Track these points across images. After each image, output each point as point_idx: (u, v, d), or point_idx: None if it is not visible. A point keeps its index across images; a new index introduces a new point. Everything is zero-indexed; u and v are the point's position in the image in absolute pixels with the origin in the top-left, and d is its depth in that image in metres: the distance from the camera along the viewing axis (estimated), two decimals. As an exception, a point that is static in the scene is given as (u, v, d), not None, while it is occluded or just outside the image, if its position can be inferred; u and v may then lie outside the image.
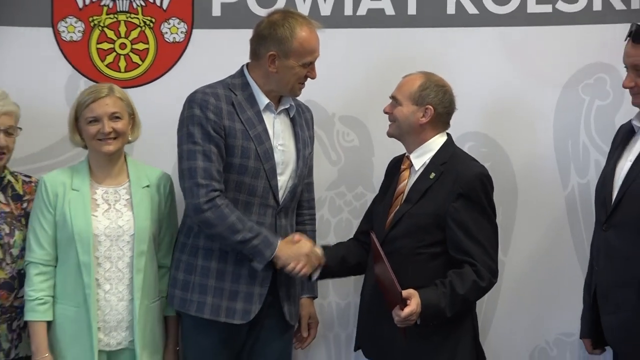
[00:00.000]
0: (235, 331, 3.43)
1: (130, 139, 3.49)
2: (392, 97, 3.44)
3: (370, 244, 3.38)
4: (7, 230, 3.48)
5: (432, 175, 3.34)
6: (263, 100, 3.43)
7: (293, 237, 3.46)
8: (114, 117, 3.40)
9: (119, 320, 3.42)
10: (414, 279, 3.16)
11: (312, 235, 3.70)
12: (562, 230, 3.85)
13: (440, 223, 3.28)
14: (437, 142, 3.40)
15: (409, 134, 3.37)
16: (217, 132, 3.34)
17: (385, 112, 3.47)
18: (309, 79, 3.48)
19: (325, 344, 3.92)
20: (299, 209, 3.69)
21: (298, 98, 3.61)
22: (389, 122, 3.46)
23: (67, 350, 3.44)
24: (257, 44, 3.41)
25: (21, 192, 3.55)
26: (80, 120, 3.44)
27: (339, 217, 3.88)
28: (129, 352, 3.44)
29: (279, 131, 3.48)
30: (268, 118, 3.44)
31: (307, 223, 3.68)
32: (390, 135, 3.49)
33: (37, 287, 3.39)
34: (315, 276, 3.50)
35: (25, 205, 3.56)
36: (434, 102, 3.34)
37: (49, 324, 3.44)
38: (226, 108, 3.37)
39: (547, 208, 3.86)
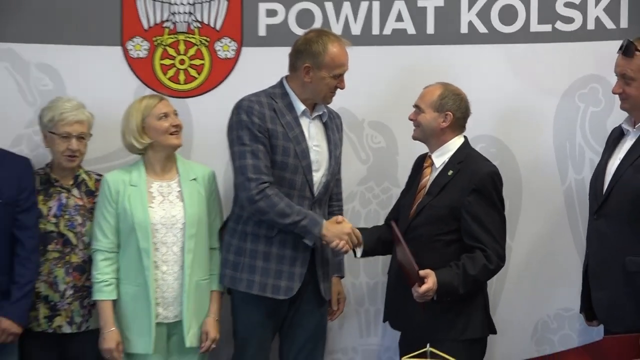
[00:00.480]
0: (279, 305, 3.62)
1: None
2: (416, 106, 3.63)
3: (392, 232, 3.61)
4: (80, 220, 3.72)
5: (450, 172, 3.56)
6: (300, 107, 3.64)
7: (337, 218, 3.65)
8: (175, 114, 3.71)
9: (174, 296, 3.62)
10: (432, 261, 3.39)
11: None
12: (560, 220, 4.02)
13: (456, 214, 3.49)
14: (455, 143, 3.61)
15: (431, 137, 3.59)
16: (261, 133, 3.54)
17: (410, 119, 3.67)
18: (339, 89, 3.66)
19: (357, 317, 4.12)
20: (330, 201, 3.88)
21: (330, 106, 3.79)
22: (414, 127, 3.65)
23: (131, 324, 3.65)
24: (295, 58, 3.64)
25: (93, 189, 3.79)
26: (148, 120, 3.63)
27: (368, 208, 4.06)
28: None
29: (313, 134, 3.69)
30: (304, 122, 3.65)
31: (336, 213, 3.84)
32: (415, 138, 3.68)
33: (102, 271, 3.63)
34: (359, 254, 3.71)
35: (96, 199, 3.78)
36: (453, 109, 3.55)
37: (114, 302, 3.67)
38: (268, 113, 3.58)
39: (548, 200, 4.04)
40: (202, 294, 3.71)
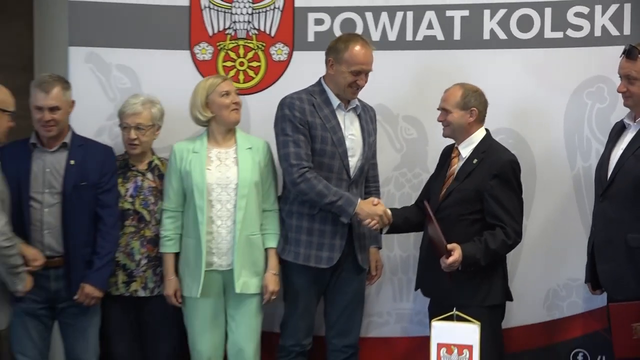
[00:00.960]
0: (322, 273, 3.82)
1: None
2: (442, 109, 3.76)
3: (424, 211, 3.67)
4: (152, 200, 3.91)
5: (475, 160, 3.72)
6: (335, 101, 3.84)
7: (373, 200, 3.77)
8: (236, 92, 3.88)
9: (228, 247, 3.80)
10: (458, 237, 3.57)
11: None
12: (569, 202, 4.15)
13: (480, 197, 3.66)
14: (478, 135, 3.77)
15: (459, 133, 3.76)
16: (302, 125, 3.75)
17: (440, 121, 3.80)
18: (362, 86, 3.80)
19: (391, 285, 4.26)
20: (367, 182, 4.02)
21: (369, 101, 3.98)
22: (444, 127, 3.79)
23: (188, 271, 3.85)
24: (326, 54, 3.84)
25: (164, 172, 3.95)
26: (212, 96, 3.80)
27: (401, 191, 4.22)
28: None
29: (348, 124, 3.87)
30: (340, 115, 3.85)
31: (373, 193, 4.02)
32: (445, 136, 3.84)
33: (166, 228, 3.85)
34: (385, 231, 3.84)
35: None
36: (476, 104, 3.72)
37: (177, 254, 3.88)
38: (308, 108, 3.79)
39: (559, 184, 4.15)
40: (253, 247, 3.84)
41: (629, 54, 3.60)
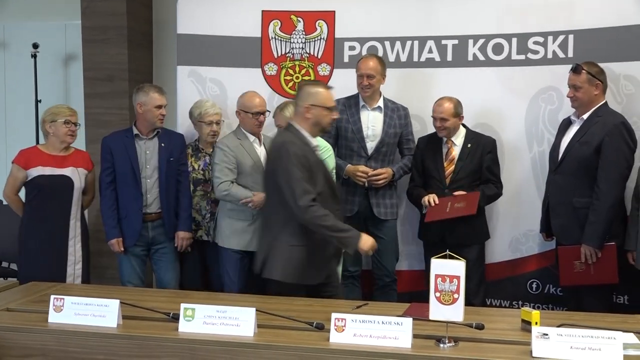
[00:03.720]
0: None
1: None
2: (442, 119, 4.02)
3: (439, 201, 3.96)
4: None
5: (469, 145, 4.09)
6: (361, 102, 4.18)
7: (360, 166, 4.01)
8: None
9: None
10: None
11: (403, 164, 4.23)
12: (528, 175, 4.38)
13: (481, 168, 4.07)
14: (462, 129, 4.14)
15: (453, 132, 4.10)
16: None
17: (438, 126, 4.07)
18: (364, 85, 4.11)
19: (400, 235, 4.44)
20: (402, 153, 4.27)
21: (397, 101, 4.24)
22: (441, 130, 4.07)
23: None
24: None
25: None
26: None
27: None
28: None
29: (371, 118, 4.17)
30: (364, 112, 4.19)
31: (405, 158, 4.26)
32: (442, 135, 4.09)
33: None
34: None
35: None
36: (462, 112, 4.09)
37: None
38: (340, 107, 4.05)
39: (520, 163, 4.37)
40: None
41: (575, 69, 3.85)
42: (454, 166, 4.02)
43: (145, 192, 4.00)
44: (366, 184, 4.07)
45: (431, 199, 3.98)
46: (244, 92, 4.11)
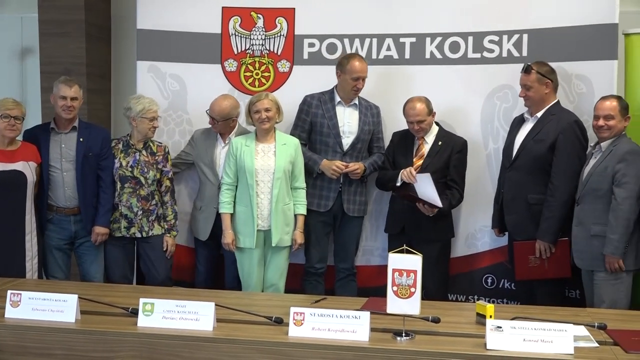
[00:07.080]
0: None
1: (277, 120, 4.11)
2: (419, 121, 4.06)
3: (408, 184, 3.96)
4: (146, 169, 4.16)
5: (440, 143, 4.13)
6: (337, 99, 4.21)
7: (336, 162, 4.07)
8: (266, 110, 3.99)
9: (268, 213, 4.04)
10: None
11: (373, 161, 4.28)
12: (483, 172, 4.43)
13: (447, 166, 4.09)
14: (434, 127, 4.20)
15: (428, 129, 4.15)
16: (305, 114, 4.19)
17: (416, 129, 4.11)
18: (360, 88, 4.17)
19: (364, 230, 4.51)
20: (370, 151, 4.31)
21: (368, 99, 4.28)
22: (418, 129, 4.11)
23: (241, 229, 4.09)
24: (335, 68, 4.20)
25: (155, 151, 4.21)
26: (251, 112, 4.07)
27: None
28: None
29: (347, 115, 4.22)
30: (339, 108, 4.23)
31: (375, 155, 4.31)
32: (420, 136, 4.15)
33: (225, 195, 4.09)
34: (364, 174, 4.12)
35: (156, 158, 4.18)
36: (433, 109, 4.14)
37: (232, 215, 4.09)
38: (315, 102, 4.23)
39: (476, 159, 4.37)
40: (286, 213, 4.07)
41: (525, 70, 3.95)
42: (422, 162, 4.07)
43: (61, 185, 4.00)
44: (341, 179, 4.14)
45: (408, 171, 4.03)
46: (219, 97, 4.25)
